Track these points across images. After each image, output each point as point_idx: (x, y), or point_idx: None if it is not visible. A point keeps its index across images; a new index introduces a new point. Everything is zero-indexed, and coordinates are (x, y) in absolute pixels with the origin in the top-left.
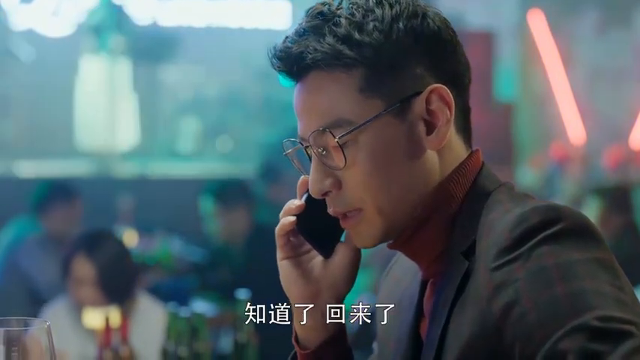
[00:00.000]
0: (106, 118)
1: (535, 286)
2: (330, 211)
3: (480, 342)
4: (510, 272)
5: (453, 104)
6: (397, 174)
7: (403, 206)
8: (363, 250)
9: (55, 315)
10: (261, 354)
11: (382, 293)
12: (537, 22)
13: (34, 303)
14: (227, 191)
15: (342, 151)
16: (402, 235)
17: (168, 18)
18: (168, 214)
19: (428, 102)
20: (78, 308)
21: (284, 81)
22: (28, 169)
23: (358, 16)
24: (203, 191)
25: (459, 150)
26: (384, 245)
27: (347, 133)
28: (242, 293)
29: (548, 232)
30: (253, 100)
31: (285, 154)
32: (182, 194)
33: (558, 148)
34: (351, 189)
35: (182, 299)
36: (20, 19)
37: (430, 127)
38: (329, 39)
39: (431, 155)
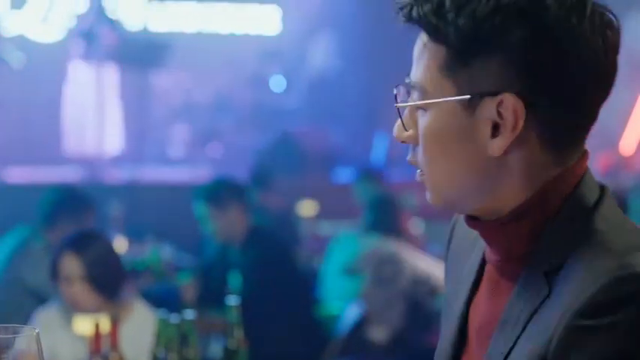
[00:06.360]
0: (95, 123)
1: None
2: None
3: None
4: (584, 338)
5: (523, 118)
6: (451, 158)
7: (451, 189)
8: (352, 256)
9: (45, 320)
10: None
11: (447, 270)
12: None
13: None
14: (219, 193)
15: (415, 114)
16: (482, 222)
17: (159, 24)
18: (158, 219)
19: (500, 106)
20: (69, 313)
21: (275, 86)
22: (17, 175)
23: None
24: (195, 195)
25: (539, 162)
26: (373, 252)
27: (419, 102)
28: (232, 299)
29: (634, 307)
30: (243, 106)
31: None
32: (172, 200)
33: None
34: (420, 151)
35: (172, 306)
36: (10, 25)
37: (495, 131)
38: (428, 7)
39: (495, 158)
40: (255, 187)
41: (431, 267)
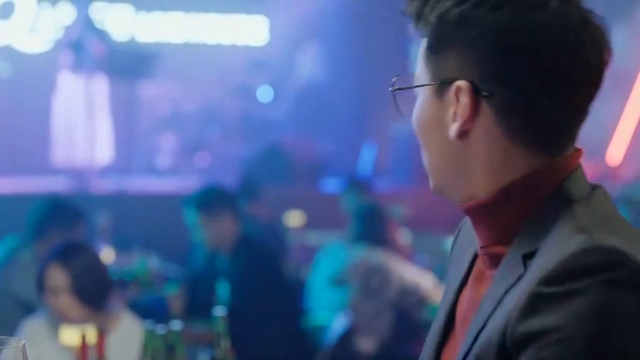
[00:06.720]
0: (83, 134)
1: (562, 330)
2: None
3: (493, 352)
4: (545, 304)
5: (468, 102)
6: (430, 142)
7: (437, 174)
8: (339, 266)
9: (32, 331)
10: None
11: (448, 268)
12: None
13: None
14: (210, 200)
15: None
16: (470, 204)
17: (146, 34)
18: (145, 230)
19: (458, 92)
20: (55, 324)
21: (262, 97)
22: (5, 185)
23: None
24: (186, 202)
25: (505, 149)
26: (360, 262)
27: (408, 87)
28: (219, 310)
29: (602, 277)
30: (231, 116)
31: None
32: (160, 210)
33: None
34: None
35: (159, 316)
36: None
37: (456, 116)
38: (417, 3)
39: (460, 143)
40: (242, 197)
41: (418, 277)
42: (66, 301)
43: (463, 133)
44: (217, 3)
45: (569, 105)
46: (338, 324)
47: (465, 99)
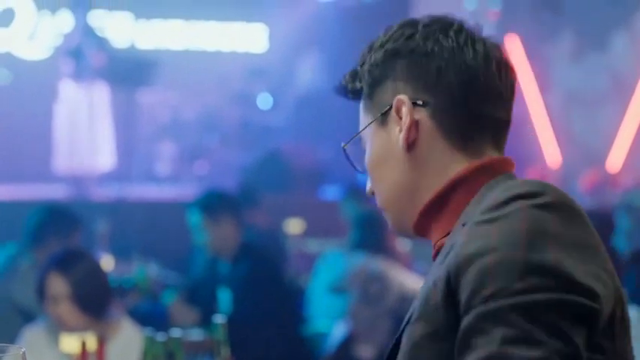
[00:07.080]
0: (83, 141)
1: (501, 247)
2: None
3: (440, 284)
4: (483, 228)
5: (408, 113)
6: (384, 173)
7: (395, 205)
8: (339, 273)
9: (32, 338)
10: None
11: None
12: (514, 47)
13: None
14: (214, 204)
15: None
16: (419, 212)
17: (146, 41)
18: (145, 237)
19: (398, 110)
20: (55, 331)
21: (262, 104)
22: (4, 192)
23: (374, 47)
24: (190, 206)
25: (446, 150)
26: (360, 270)
27: (355, 135)
28: (219, 317)
29: (530, 201)
30: (230, 124)
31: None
32: (159, 218)
33: (534, 172)
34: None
35: (159, 323)
36: None
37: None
38: (347, 77)
39: (409, 156)
40: (242, 205)
41: (417, 285)
42: (66, 309)
43: (411, 145)
44: (217, 10)
45: (484, 110)
46: (338, 331)
47: (405, 109)
